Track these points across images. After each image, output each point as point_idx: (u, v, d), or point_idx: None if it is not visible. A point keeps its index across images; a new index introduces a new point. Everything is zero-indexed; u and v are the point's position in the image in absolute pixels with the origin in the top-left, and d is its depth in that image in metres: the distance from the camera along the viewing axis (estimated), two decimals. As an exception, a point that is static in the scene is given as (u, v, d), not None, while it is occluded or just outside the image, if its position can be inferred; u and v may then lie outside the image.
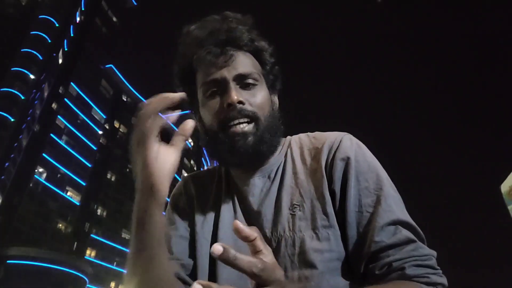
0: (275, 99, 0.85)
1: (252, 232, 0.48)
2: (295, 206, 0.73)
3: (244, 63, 0.76)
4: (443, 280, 0.63)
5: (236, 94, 0.72)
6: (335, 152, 0.75)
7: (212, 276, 0.75)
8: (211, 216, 0.82)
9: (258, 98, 0.76)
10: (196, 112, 0.82)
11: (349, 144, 0.76)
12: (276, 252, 0.70)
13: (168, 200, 0.90)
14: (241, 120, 0.73)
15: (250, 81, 0.75)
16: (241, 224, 0.48)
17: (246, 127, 0.73)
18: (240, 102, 0.73)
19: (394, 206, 0.68)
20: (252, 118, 0.74)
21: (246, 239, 0.47)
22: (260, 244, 0.48)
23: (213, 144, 0.76)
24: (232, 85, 0.74)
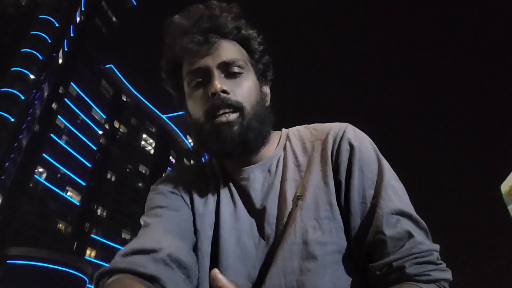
0: (266, 89, 0.82)
1: (228, 284, 0.47)
2: (299, 197, 0.72)
3: (228, 50, 0.73)
4: (446, 274, 0.62)
5: (219, 82, 0.70)
6: (339, 142, 0.74)
7: None
8: (210, 211, 0.77)
9: (244, 88, 0.73)
10: (184, 105, 0.80)
11: (353, 134, 0.75)
12: (276, 243, 0.70)
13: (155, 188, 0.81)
14: (226, 110, 0.70)
15: (235, 69, 0.73)
16: (219, 274, 0.48)
17: (231, 116, 0.70)
18: (224, 91, 0.70)
19: (395, 196, 0.68)
20: (237, 108, 0.71)
21: None
22: None
23: (201, 136, 0.74)
24: (216, 73, 0.71)
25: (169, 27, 0.77)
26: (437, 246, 0.64)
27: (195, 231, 0.75)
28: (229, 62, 0.73)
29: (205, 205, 0.78)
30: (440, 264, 0.63)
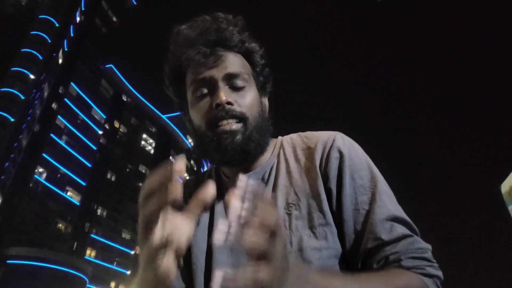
0: (265, 101, 0.85)
1: None
2: (291, 205, 0.73)
3: (233, 63, 0.76)
4: (439, 273, 0.65)
5: (225, 94, 0.72)
6: (329, 150, 0.75)
7: None
8: (204, 225, 0.80)
9: (247, 99, 0.75)
10: (186, 113, 0.82)
11: (342, 142, 0.76)
12: None
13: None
14: (230, 121, 0.72)
15: (239, 81, 0.75)
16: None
17: (234, 125, 0.72)
18: (229, 103, 0.72)
19: (388, 202, 0.69)
20: (240, 118, 0.73)
21: None
22: None
23: (201, 143, 0.75)
24: (221, 85, 0.74)
25: (175, 36, 0.78)
26: (430, 246, 0.67)
27: (190, 246, 0.77)
28: (234, 75, 0.75)
29: (200, 220, 0.80)
30: (434, 262, 0.65)
